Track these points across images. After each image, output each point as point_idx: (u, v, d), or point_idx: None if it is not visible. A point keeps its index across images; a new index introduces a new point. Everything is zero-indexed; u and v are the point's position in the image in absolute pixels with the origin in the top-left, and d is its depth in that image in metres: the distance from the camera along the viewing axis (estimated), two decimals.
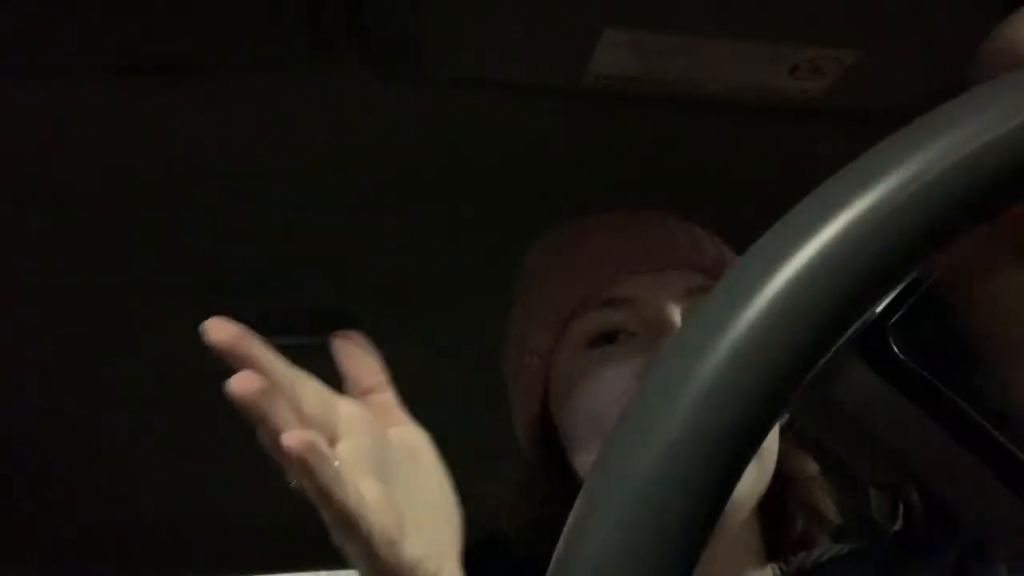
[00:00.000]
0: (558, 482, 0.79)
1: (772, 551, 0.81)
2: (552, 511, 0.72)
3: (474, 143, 0.94)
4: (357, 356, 0.57)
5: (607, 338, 0.77)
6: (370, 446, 0.52)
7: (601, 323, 0.77)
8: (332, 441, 0.50)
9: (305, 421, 0.49)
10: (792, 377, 0.25)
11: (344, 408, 0.53)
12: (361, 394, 0.56)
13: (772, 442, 0.76)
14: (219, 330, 0.50)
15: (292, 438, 0.46)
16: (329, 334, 1.15)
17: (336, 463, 0.48)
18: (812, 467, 0.82)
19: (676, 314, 0.75)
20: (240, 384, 0.47)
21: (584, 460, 0.77)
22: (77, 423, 1.37)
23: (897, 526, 1.04)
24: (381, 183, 0.98)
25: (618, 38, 0.77)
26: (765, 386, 0.25)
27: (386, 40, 0.79)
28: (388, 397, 0.57)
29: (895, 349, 0.42)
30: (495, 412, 0.89)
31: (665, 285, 0.77)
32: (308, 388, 0.52)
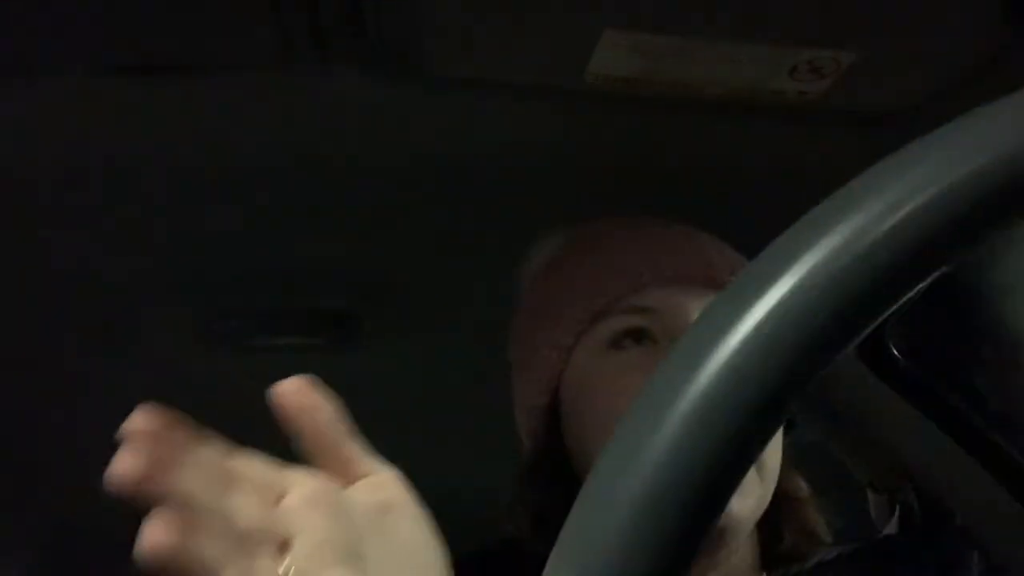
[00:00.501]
0: (557, 475, 0.79)
1: (767, 565, 0.82)
2: (552, 503, 0.72)
3: (474, 143, 0.94)
4: (305, 413, 0.45)
5: (629, 340, 0.78)
6: (330, 528, 0.43)
7: (626, 327, 0.78)
8: (284, 544, 0.41)
9: (243, 542, 0.40)
10: (777, 402, 0.25)
11: (294, 493, 0.43)
12: (316, 455, 0.46)
13: (775, 462, 0.77)
14: (124, 464, 0.40)
15: None
16: (329, 334, 1.15)
17: None
18: (803, 487, 0.83)
19: None
20: (151, 541, 0.39)
21: (592, 459, 0.77)
22: (78, 423, 1.37)
23: (891, 529, 1.04)
24: (381, 183, 0.98)
25: (618, 39, 0.77)
26: (752, 405, 0.25)
27: (386, 40, 0.79)
28: (348, 449, 0.46)
29: (893, 350, 0.42)
30: (495, 412, 0.89)
31: (692, 299, 0.78)
32: (241, 493, 0.41)
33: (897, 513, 1.02)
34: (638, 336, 0.78)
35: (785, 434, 0.81)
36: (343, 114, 0.88)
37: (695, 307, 0.77)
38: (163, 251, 1.08)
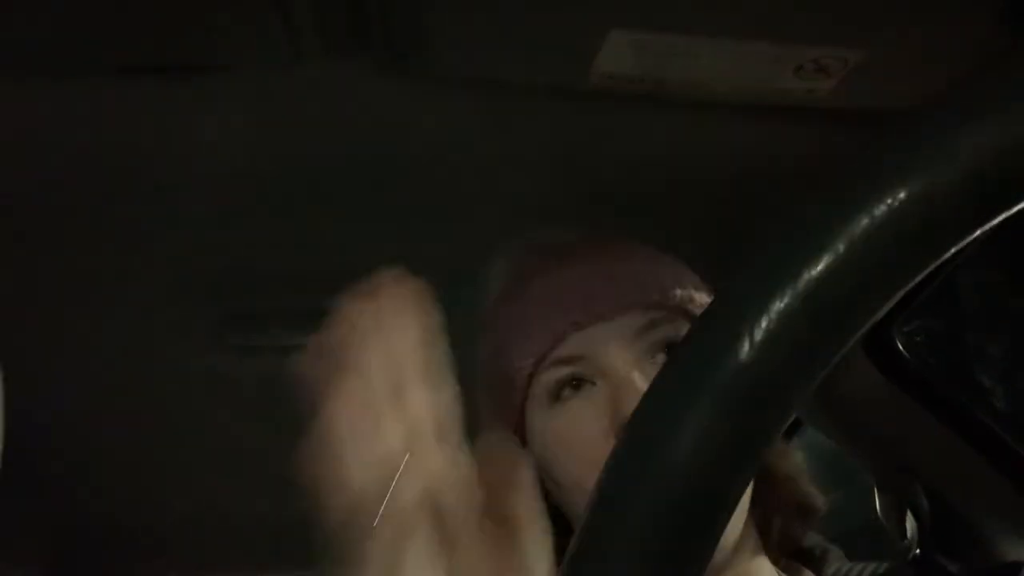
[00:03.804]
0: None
1: (768, 547, 0.82)
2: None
3: (478, 143, 0.93)
4: None
5: (568, 389, 0.79)
6: None
7: (557, 379, 0.79)
8: None
9: None
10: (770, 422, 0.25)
11: None
12: None
13: None
14: None
15: None
16: None
17: None
18: (798, 460, 0.84)
19: (627, 361, 0.77)
20: None
21: (571, 510, 0.78)
22: (79, 422, 1.37)
23: (910, 543, 1.03)
24: (383, 182, 0.98)
25: (623, 38, 0.76)
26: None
27: (390, 39, 0.79)
28: None
29: (900, 348, 0.42)
30: None
31: (614, 334, 0.78)
32: None
33: (912, 523, 1.02)
34: (575, 384, 0.79)
35: (790, 435, 0.82)
36: (346, 113, 0.88)
37: (618, 340, 0.77)
38: (169, 252, 1.08)
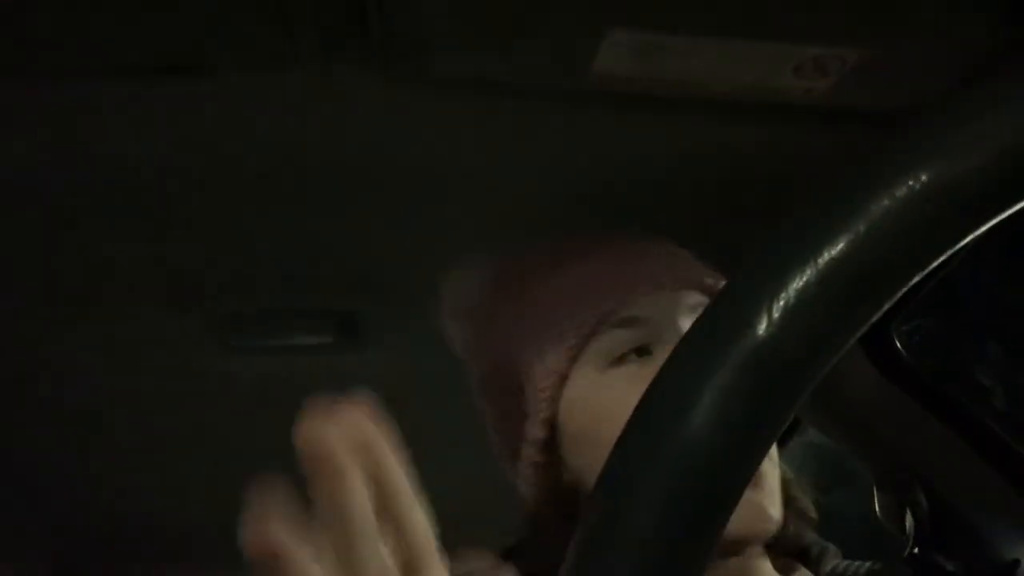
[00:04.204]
0: (570, 515, 0.75)
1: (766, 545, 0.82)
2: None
3: (476, 144, 0.93)
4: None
5: (626, 357, 0.78)
6: None
7: (619, 342, 0.78)
8: None
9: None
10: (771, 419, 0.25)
11: None
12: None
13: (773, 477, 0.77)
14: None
15: None
16: (337, 333, 1.15)
17: None
18: (786, 469, 0.83)
19: None
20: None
21: (586, 488, 0.77)
22: (79, 422, 1.38)
23: (908, 542, 1.03)
24: (381, 183, 0.98)
25: (622, 38, 0.77)
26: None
27: (389, 41, 0.79)
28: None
29: (899, 347, 0.42)
30: None
31: (677, 304, 0.79)
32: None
33: (910, 519, 1.02)
34: (636, 352, 0.78)
35: (789, 434, 0.82)
36: (345, 115, 0.88)
37: (680, 310, 0.78)
38: (168, 252, 1.08)
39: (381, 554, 0.40)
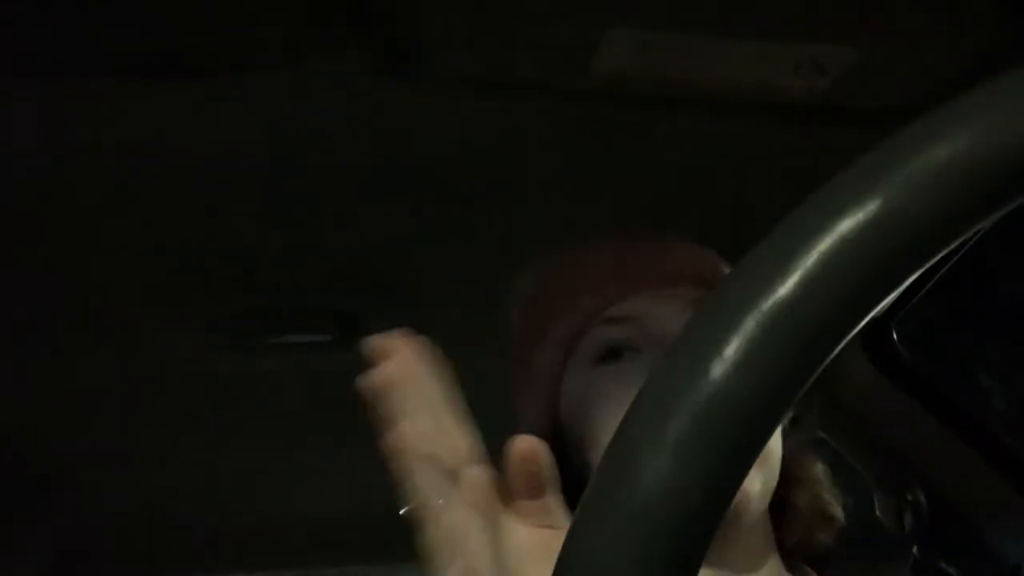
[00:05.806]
0: (571, 500, 0.78)
1: (783, 551, 0.82)
2: None
3: (477, 143, 0.94)
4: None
5: (613, 355, 0.78)
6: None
7: (606, 340, 0.78)
8: None
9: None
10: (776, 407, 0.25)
11: None
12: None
13: (775, 445, 0.77)
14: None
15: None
16: (337, 331, 1.15)
17: None
18: (818, 468, 0.84)
19: (678, 330, 0.76)
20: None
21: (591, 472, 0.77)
22: (79, 422, 1.38)
23: (909, 542, 1.03)
24: (382, 183, 0.98)
25: (621, 37, 0.77)
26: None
27: (390, 40, 0.79)
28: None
29: (899, 347, 0.42)
30: (496, 413, 0.89)
31: (666, 302, 0.78)
32: None
33: (910, 517, 1.02)
34: (617, 354, 0.78)
35: (788, 434, 0.82)
36: (346, 114, 0.88)
37: (669, 308, 0.78)
38: (168, 251, 1.08)
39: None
